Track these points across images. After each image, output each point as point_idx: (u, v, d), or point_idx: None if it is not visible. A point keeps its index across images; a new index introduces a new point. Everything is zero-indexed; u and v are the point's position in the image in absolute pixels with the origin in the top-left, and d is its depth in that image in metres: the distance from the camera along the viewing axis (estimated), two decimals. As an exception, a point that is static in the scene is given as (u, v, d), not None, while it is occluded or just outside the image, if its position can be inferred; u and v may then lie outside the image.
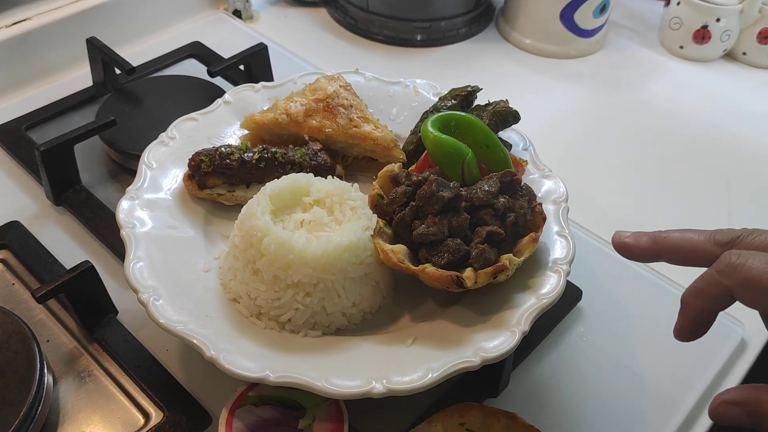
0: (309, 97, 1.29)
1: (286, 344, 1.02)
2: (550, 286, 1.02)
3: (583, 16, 1.81)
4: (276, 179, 1.14)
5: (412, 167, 1.16)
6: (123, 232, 1.11)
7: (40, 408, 1.04)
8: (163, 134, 1.28)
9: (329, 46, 1.90)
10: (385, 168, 1.11)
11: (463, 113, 1.16)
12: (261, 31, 1.91)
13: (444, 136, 1.10)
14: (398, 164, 1.12)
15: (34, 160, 1.38)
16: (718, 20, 1.80)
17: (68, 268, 1.19)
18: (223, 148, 1.22)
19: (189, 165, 1.22)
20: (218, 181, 1.21)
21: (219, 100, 1.36)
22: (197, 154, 1.22)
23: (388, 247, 1.02)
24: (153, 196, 1.19)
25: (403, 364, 0.96)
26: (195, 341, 0.97)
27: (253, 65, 1.62)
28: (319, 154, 1.24)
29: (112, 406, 1.11)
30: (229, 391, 1.01)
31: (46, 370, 1.06)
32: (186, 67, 1.75)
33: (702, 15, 1.81)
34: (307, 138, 1.27)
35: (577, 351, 1.17)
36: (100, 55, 1.59)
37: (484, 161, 1.12)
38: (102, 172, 1.46)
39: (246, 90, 1.38)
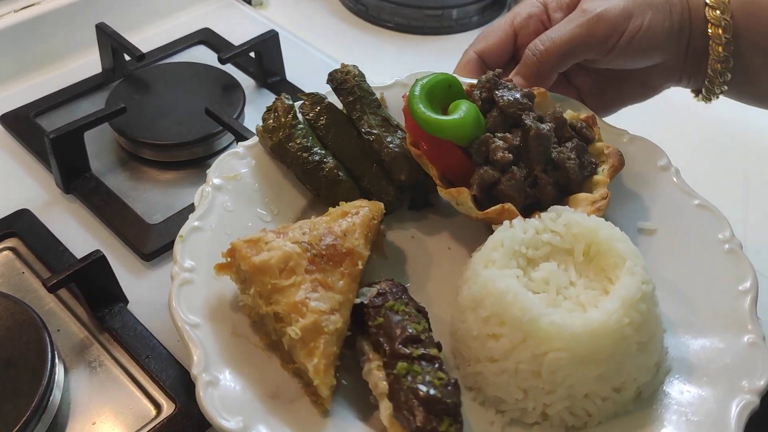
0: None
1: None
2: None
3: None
4: None
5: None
6: None
7: (51, 398, 1.03)
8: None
9: (340, 33, 1.88)
10: None
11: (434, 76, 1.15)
12: (271, 17, 1.90)
13: (439, 118, 1.10)
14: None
15: (43, 147, 1.37)
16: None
17: (78, 256, 1.19)
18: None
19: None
20: None
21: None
22: None
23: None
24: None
25: None
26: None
27: (264, 53, 1.61)
28: None
29: (123, 397, 1.10)
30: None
31: (57, 360, 1.05)
32: (196, 54, 1.74)
33: None
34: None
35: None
36: (110, 41, 1.58)
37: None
38: (112, 159, 1.45)
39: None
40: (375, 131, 1.20)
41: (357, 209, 1.11)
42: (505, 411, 1.01)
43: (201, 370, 0.94)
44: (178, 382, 1.09)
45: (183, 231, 1.08)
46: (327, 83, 1.24)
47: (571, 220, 1.06)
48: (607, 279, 1.03)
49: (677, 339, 1.06)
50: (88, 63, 1.67)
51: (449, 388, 0.92)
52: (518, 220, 1.08)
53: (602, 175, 1.17)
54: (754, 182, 1.47)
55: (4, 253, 1.27)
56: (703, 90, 1.31)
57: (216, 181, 1.17)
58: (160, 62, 1.68)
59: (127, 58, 1.60)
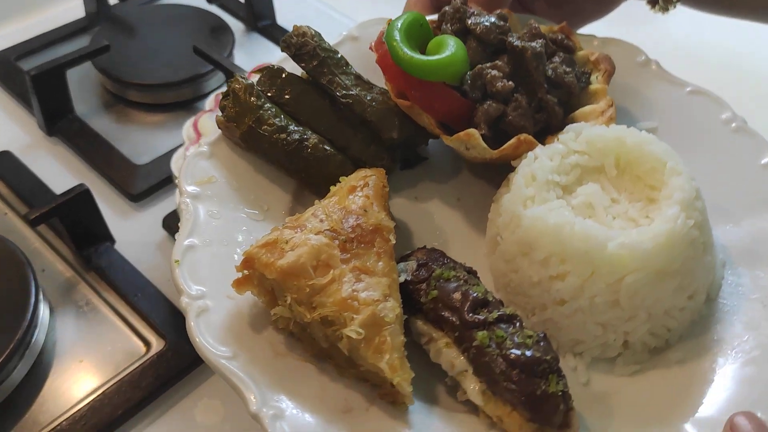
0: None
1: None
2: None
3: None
4: None
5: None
6: None
7: (35, 335, 1.02)
8: None
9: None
10: None
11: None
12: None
13: (431, 59, 1.00)
14: None
15: (25, 89, 1.35)
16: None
17: (63, 198, 1.14)
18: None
19: None
20: None
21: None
22: None
23: None
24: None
25: None
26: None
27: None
28: None
29: (112, 335, 1.09)
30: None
31: (42, 297, 1.04)
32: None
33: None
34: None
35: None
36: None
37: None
38: (97, 103, 1.42)
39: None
40: (352, 92, 1.07)
41: (364, 180, 0.98)
42: (583, 352, 0.93)
43: (260, 406, 0.80)
44: (168, 320, 1.09)
45: (176, 254, 0.92)
46: (282, 51, 1.09)
47: (593, 135, 0.99)
48: (647, 187, 0.97)
49: (718, 230, 1.03)
50: (71, 7, 1.62)
51: (542, 344, 0.83)
52: (540, 149, 0.99)
53: (597, 83, 1.10)
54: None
55: (-15, 194, 1.24)
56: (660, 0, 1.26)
57: (191, 189, 1.00)
58: (145, 4, 1.64)
59: (111, 1, 1.54)
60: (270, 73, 1.09)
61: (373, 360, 0.82)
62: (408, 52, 0.99)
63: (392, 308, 0.85)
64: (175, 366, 1.07)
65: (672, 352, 0.92)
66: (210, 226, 0.97)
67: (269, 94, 1.08)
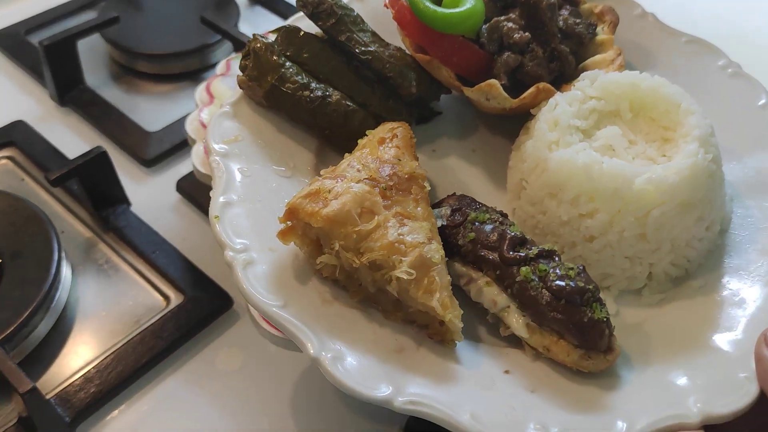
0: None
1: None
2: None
3: None
4: None
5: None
6: None
7: (59, 291, 1.05)
8: None
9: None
10: None
11: None
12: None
13: (453, 12, 1.02)
14: None
15: (36, 62, 1.39)
16: None
17: (77, 163, 1.18)
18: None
19: None
20: None
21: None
22: None
23: None
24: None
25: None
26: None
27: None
28: None
29: (132, 292, 1.13)
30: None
31: (63, 255, 1.07)
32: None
33: None
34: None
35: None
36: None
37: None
38: (106, 74, 1.45)
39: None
40: (371, 48, 1.09)
41: (392, 132, 1.01)
42: (610, 286, 0.98)
43: (319, 350, 0.82)
44: (185, 275, 1.14)
45: (214, 210, 0.93)
46: (300, 9, 1.10)
47: (608, 81, 1.03)
48: (661, 127, 1.02)
49: (723, 167, 1.08)
50: None
51: (583, 274, 0.87)
52: (560, 96, 1.03)
53: (603, 33, 1.14)
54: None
55: (3, 162, 1.28)
56: None
57: (219, 147, 1.00)
58: None
59: None
60: (287, 32, 1.09)
61: (423, 300, 0.85)
62: (430, 5, 1.01)
63: (437, 249, 0.88)
64: (195, 317, 1.11)
65: (693, 280, 0.98)
66: (242, 182, 0.98)
67: (288, 54, 1.09)
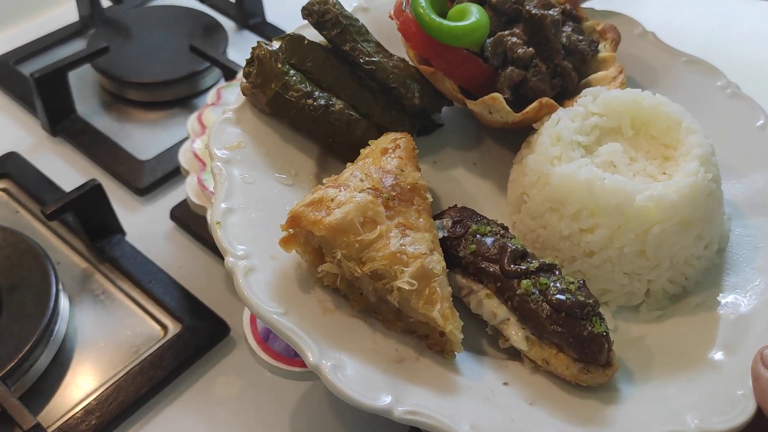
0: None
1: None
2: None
3: None
4: None
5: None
6: None
7: (58, 324, 1.05)
8: None
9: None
10: None
11: None
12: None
13: (458, 25, 1.03)
14: None
15: (27, 92, 1.39)
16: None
17: (72, 193, 1.18)
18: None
19: None
20: None
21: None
22: None
23: None
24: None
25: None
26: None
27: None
28: None
29: (129, 321, 1.14)
30: (242, 305, 0.93)
31: (61, 288, 1.08)
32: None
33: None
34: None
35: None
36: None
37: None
38: (97, 103, 1.45)
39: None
40: (375, 59, 1.09)
41: (395, 143, 1.01)
42: (608, 301, 0.99)
43: (319, 359, 0.81)
44: (182, 303, 1.14)
45: (216, 217, 0.92)
46: (304, 18, 1.10)
47: (610, 97, 1.04)
48: (662, 145, 1.03)
49: (722, 186, 1.09)
50: (65, 11, 1.65)
51: (583, 289, 0.87)
52: (562, 111, 1.04)
53: (605, 51, 1.15)
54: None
55: (-3, 194, 1.27)
56: None
57: (221, 153, 1.00)
58: (137, 7, 1.67)
59: (104, 5, 1.57)
60: (292, 40, 1.10)
61: (424, 310, 0.85)
62: (436, 18, 1.01)
63: (438, 261, 0.88)
64: (193, 345, 1.12)
65: (691, 297, 0.99)
66: (245, 189, 0.98)
67: (292, 62, 1.09)
